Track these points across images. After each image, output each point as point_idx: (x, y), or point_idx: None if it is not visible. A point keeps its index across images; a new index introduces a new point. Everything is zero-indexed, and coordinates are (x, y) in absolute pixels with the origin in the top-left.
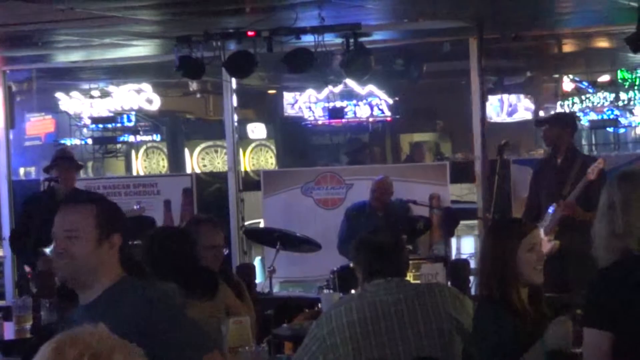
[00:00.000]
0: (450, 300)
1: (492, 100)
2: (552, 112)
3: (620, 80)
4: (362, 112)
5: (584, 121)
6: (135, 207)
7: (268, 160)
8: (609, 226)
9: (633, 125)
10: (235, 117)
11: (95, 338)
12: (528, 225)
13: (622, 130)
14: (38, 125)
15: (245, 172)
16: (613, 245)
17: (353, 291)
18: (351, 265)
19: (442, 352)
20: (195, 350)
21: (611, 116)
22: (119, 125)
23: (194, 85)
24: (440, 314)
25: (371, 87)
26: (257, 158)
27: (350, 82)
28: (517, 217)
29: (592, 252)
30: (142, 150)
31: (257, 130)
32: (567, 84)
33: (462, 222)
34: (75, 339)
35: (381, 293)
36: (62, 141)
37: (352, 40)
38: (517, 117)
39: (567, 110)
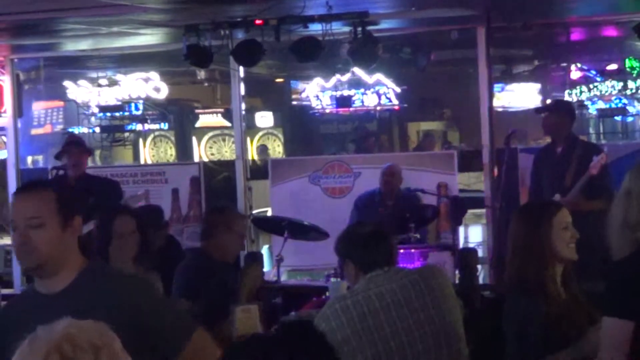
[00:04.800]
0: (449, 281)
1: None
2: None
3: (628, 69)
4: (370, 100)
5: (592, 110)
6: (138, 192)
7: (275, 149)
8: (623, 215)
9: None
10: (243, 106)
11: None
12: (556, 205)
13: (629, 119)
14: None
15: (253, 160)
16: (626, 235)
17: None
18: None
19: (453, 331)
20: (182, 330)
21: (619, 105)
22: (126, 113)
23: (201, 74)
24: (445, 294)
25: (379, 76)
26: None
27: (358, 71)
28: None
29: (606, 238)
30: (149, 139)
31: (264, 118)
32: (575, 73)
33: (469, 211)
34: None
35: (384, 282)
36: (70, 129)
37: (359, 29)
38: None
39: (575, 99)
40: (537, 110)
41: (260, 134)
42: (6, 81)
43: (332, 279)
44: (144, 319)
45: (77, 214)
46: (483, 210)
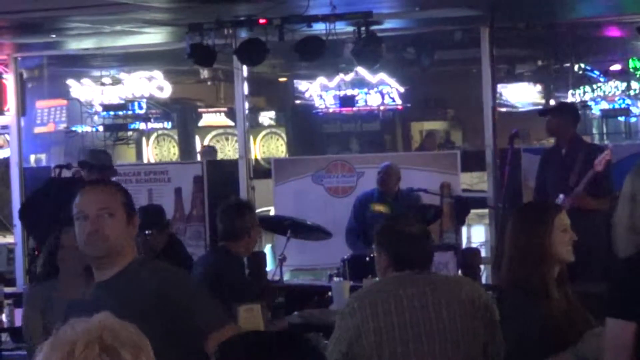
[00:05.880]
0: (482, 290)
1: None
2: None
3: (631, 69)
4: (373, 100)
5: (595, 110)
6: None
7: (279, 148)
8: (629, 219)
9: None
10: (246, 105)
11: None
12: (556, 206)
13: (633, 120)
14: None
15: (256, 159)
16: (632, 240)
17: (365, 280)
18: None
19: (463, 347)
20: (214, 322)
21: (622, 105)
22: (130, 112)
23: (205, 73)
24: (465, 307)
25: (382, 76)
26: (268, 146)
27: (362, 70)
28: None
29: (604, 239)
30: (153, 138)
31: (267, 117)
32: (578, 73)
33: (472, 211)
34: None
35: (406, 285)
36: (73, 128)
37: (363, 29)
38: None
39: (578, 100)
40: (540, 112)
41: (263, 133)
42: (9, 79)
43: (335, 279)
44: (177, 306)
45: (135, 214)
46: (486, 211)
